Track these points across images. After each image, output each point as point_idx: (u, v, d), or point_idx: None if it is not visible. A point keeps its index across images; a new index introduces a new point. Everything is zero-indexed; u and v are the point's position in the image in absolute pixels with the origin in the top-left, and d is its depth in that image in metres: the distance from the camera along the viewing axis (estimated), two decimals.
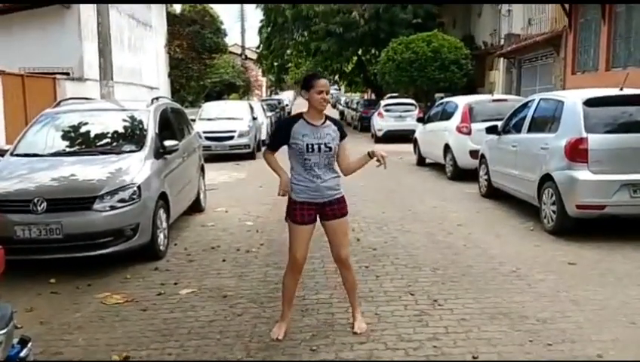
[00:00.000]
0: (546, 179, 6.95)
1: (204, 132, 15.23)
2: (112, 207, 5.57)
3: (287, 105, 40.57)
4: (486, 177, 9.30)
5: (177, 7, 31.85)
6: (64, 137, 6.86)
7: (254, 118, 17.70)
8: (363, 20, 27.77)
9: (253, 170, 13.50)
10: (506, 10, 22.78)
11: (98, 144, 6.78)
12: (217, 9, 40.02)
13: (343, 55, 31.06)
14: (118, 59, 15.84)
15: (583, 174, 6.42)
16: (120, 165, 6.07)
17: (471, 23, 27.99)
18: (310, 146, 3.90)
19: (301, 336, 4.10)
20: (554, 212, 6.75)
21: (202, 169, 8.89)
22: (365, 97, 41.32)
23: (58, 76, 15.08)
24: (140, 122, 6.91)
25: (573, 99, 7.03)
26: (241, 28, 60.97)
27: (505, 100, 11.89)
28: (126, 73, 19.72)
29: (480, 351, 3.79)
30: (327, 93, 3.94)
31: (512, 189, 8.29)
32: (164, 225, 6.33)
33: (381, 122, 21.20)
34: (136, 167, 6.08)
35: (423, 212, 8.36)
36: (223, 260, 6.06)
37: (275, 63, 36.12)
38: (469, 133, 11.02)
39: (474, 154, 10.29)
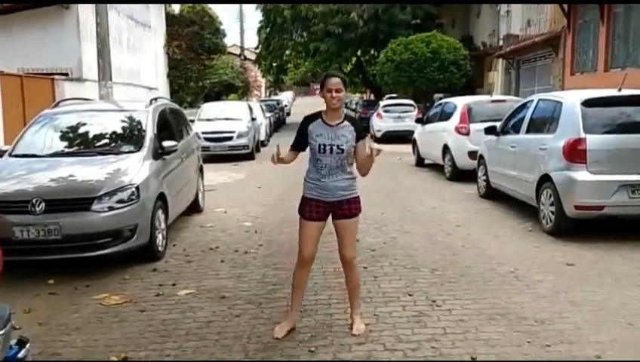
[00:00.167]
0: (545, 179, 6.96)
1: (203, 133, 15.24)
2: (111, 208, 5.56)
3: (286, 105, 40.58)
4: (485, 178, 9.30)
5: (176, 8, 31.88)
6: (63, 138, 6.85)
7: (253, 119, 17.70)
8: (362, 21, 27.78)
9: (252, 171, 13.51)
10: (504, 10, 22.82)
11: (96, 145, 6.77)
12: (216, 9, 40.15)
13: (342, 56, 31.05)
14: (116, 59, 15.82)
15: (581, 175, 6.42)
16: (118, 166, 6.07)
17: (470, 24, 28.02)
18: (322, 147, 3.94)
19: (299, 337, 4.10)
20: (552, 212, 6.75)
21: (201, 169, 8.89)
22: (364, 98, 41.36)
23: (57, 77, 15.07)
24: (139, 123, 6.91)
25: (571, 99, 7.04)
26: (240, 28, 61.20)
27: (503, 101, 11.91)
28: (125, 74, 19.71)
29: (478, 352, 3.79)
30: (339, 91, 3.93)
31: (510, 190, 8.29)
32: (163, 225, 6.32)
33: (380, 123, 21.22)
34: (134, 167, 6.08)
35: (422, 212, 8.36)
36: (222, 261, 6.06)
37: (274, 64, 36.11)
38: (467, 133, 11.02)
39: (472, 154, 10.30)
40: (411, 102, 22.54)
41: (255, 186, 10.77)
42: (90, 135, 6.92)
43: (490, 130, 9.01)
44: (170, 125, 7.64)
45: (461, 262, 5.83)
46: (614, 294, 4.83)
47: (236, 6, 47.13)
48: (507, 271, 5.49)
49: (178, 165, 7.24)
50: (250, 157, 16.10)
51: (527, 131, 7.89)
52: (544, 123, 7.53)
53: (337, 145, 3.93)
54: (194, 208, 8.29)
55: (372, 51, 31.41)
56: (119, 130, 6.98)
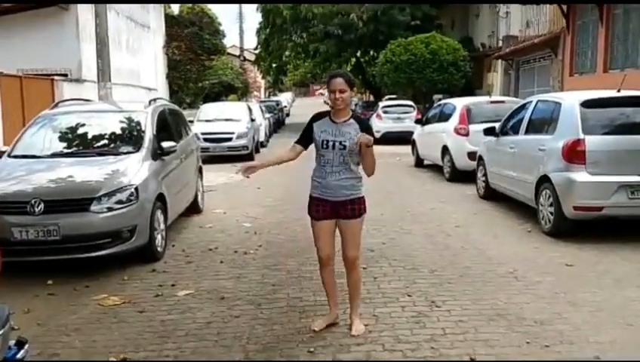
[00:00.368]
0: (544, 180, 6.96)
1: (203, 133, 15.23)
2: (110, 209, 5.56)
3: (285, 106, 40.54)
4: (484, 179, 9.30)
5: (175, 9, 31.89)
6: (62, 138, 6.85)
7: (252, 120, 17.67)
8: (361, 22, 27.79)
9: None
10: (504, 12, 22.85)
11: (96, 145, 6.77)
12: (216, 10, 40.12)
13: (342, 57, 31.08)
14: (116, 60, 15.81)
15: (580, 176, 6.43)
16: (117, 166, 6.06)
17: (469, 25, 28.06)
18: (325, 142, 3.98)
19: (299, 338, 4.09)
20: (551, 213, 6.75)
21: (200, 170, 8.89)
22: (364, 99, 41.35)
23: (56, 77, 15.07)
24: (138, 123, 6.91)
25: (570, 100, 7.04)
26: (240, 29, 61.11)
27: (503, 102, 11.92)
28: (124, 74, 19.71)
29: (477, 353, 3.79)
30: (342, 92, 3.93)
31: (509, 191, 8.29)
32: (162, 226, 6.32)
33: (379, 124, 21.19)
34: (133, 168, 6.08)
35: (421, 213, 8.36)
36: (221, 262, 6.06)
37: (274, 65, 36.14)
38: (466, 134, 11.02)
39: (472, 155, 10.29)
40: (411, 103, 22.53)
41: (255, 187, 10.75)
42: (89, 136, 6.91)
43: (489, 131, 9.01)
44: (170, 126, 7.63)
45: (460, 262, 5.83)
46: (614, 295, 4.82)
47: (236, 7, 47.28)
48: (506, 271, 5.49)
49: (177, 166, 7.24)
50: (249, 158, 16.05)
51: (526, 132, 7.90)
52: (543, 124, 7.53)
53: (340, 142, 3.95)
54: (193, 209, 8.29)
55: (371, 52, 31.45)
56: (118, 131, 6.97)
